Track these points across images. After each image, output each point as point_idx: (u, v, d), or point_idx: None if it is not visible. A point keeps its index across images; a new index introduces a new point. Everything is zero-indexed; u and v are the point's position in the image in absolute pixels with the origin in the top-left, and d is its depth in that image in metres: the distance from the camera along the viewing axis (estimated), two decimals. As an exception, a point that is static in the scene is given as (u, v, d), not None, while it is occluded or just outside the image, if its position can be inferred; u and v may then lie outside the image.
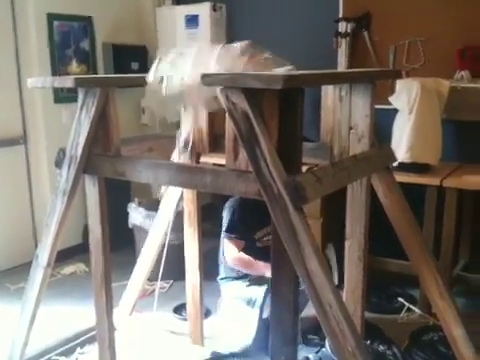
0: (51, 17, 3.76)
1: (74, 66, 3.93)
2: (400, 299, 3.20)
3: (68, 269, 3.73)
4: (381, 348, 2.69)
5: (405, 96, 3.03)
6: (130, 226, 3.63)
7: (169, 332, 2.82)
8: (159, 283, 2.76)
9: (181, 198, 2.52)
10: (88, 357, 2.64)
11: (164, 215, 2.66)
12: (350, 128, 1.90)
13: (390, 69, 3.40)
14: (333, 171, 1.61)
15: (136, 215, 3.55)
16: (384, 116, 3.01)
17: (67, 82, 1.84)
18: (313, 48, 3.72)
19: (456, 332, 2.02)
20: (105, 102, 1.84)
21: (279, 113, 1.50)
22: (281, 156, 1.48)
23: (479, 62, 3.24)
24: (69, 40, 3.90)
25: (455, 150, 3.37)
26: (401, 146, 2.99)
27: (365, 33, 3.59)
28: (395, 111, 3.14)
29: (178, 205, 2.62)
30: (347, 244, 2.02)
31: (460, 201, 3.02)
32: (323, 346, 2.65)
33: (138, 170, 1.78)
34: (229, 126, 1.55)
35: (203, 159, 2.45)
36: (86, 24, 4.01)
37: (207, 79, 1.43)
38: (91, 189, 1.95)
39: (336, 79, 1.77)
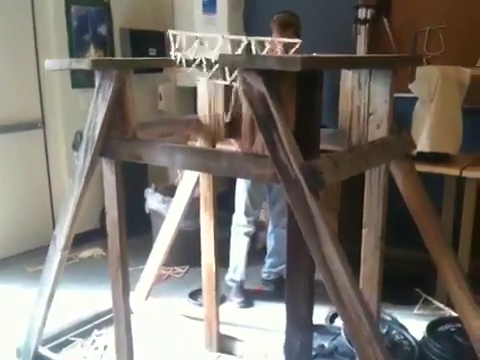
0: (69, 2, 3.77)
1: (92, 52, 3.95)
2: (417, 290, 3.17)
3: (85, 253, 3.79)
4: (397, 338, 2.67)
5: (425, 84, 2.98)
6: (147, 211, 3.66)
7: (184, 317, 2.84)
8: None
9: (197, 184, 2.52)
10: (105, 339, 2.68)
11: (180, 200, 2.67)
12: (369, 114, 1.87)
13: (410, 55, 3.34)
14: (350, 156, 1.59)
15: (153, 200, 3.57)
16: (404, 105, 2.95)
17: (84, 64, 1.84)
18: (332, 35, 3.67)
19: (474, 322, 1.99)
20: (122, 85, 1.84)
21: (297, 96, 1.48)
22: (298, 140, 1.46)
23: (503, 50, 3.17)
24: (87, 25, 3.91)
25: (476, 140, 3.30)
26: (421, 135, 2.94)
27: (385, 20, 3.53)
28: (415, 100, 3.09)
29: (194, 191, 2.63)
30: (364, 232, 1.99)
31: (480, 192, 2.97)
32: (338, 334, 2.64)
33: (154, 153, 1.78)
34: (246, 109, 1.54)
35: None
36: (103, 9, 4.02)
37: (224, 60, 1.41)
38: (108, 173, 1.95)
39: (355, 63, 1.73)
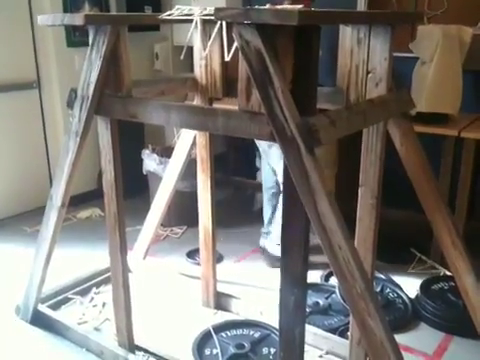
0: (63, -43, 3.66)
1: (87, 9, 3.86)
2: (412, 250, 3.20)
3: (84, 213, 3.81)
4: (391, 296, 2.72)
5: (426, 43, 2.93)
6: (144, 173, 3.66)
7: (182, 275, 2.88)
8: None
9: (194, 145, 2.51)
10: (103, 297, 2.72)
11: (177, 161, 2.66)
12: (368, 72, 1.84)
13: (411, 12, 3.26)
14: (348, 114, 1.57)
15: (150, 162, 3.56)
16: (404, 64, 2.92)
17: (77, 19, 1.79)
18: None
19: (467, 280, 2.01)
20: (116, 41, 1.80)
21: (294, 52, 1.45)
22: (295, 97, 1.44)
23: (506, 8, 3.10)
24: (82, -18, 3.81)
25: (475, 101, 3.28)
26: (420, 95, 2.91)
27: (386, -23, 3.44)
28: (415, 59, 3.05)
29: (191, 152, 2.62)
30: (360, 191, 1.99)
31: (478, 153, 2.96)
32: (333, 292, 2.69)
33: (149, 111, 1.75)
34: (242, 66, 1.51)
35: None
36: (99, -35, 3.90)
37: (220, 14, 1.37)
38: (103, 130, 1.94)
39: (354, 19, 1.69)
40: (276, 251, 3.07)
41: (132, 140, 3.68)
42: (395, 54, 1.79)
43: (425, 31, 2.95)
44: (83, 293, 2.75)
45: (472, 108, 3.19)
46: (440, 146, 3.00)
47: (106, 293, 2.71)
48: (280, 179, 3.01)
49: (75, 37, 3.79)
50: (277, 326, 1.71)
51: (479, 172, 3.24)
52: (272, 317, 2.30)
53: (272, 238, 3.12)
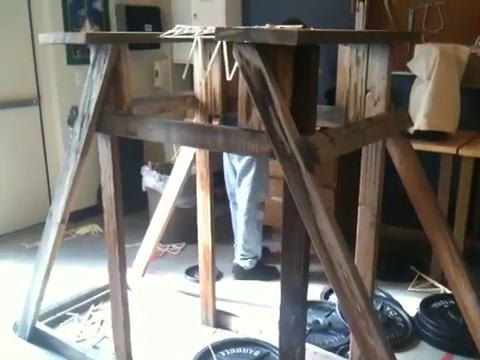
0: (64, -23, 3.71)
1: (87, 27, 3.90)
2: (412, 267, 3.19)
3: (83, 230, 3.80)
4: (391, 314, 2.71)
5: (423, 62, 2.96)
6: (144, 189, 3.66)
7: (181, 293, 2.86)
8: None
9: (194, 162, 2.52)
10: (102, 314, 2.70)
11: (177, 178, 2.67)
12: (366, 91, 1.86)
13: (409, 31, 3.31)
14: (347, 132, 1.58)
15: (149, 178, 3.57)
16: (402, 82, 2.95)
17: (78, 38, 1.81)
18: (330, 12, 3.64)
19: (467, 298, 2.01)
20: (117, 59, 1.82)
21: (293, 71, 1.46)
22: (294, 115, 1.45)
23: (502, 28, 3.14)
24: (82, 1, 3.85)
25: (473, 119, 3.29)
26: (418, 113, 2.94)
27: (384, -4, 3.49)
28: (413, 78, 3.07)
29: (191, 169, 2.63)
30: (360, 209, 2.00)
31: (476, 170, 2.97)
32: (333, 310, 2.68)
33: (150, 129, 1.76)
34: (242, 85, 1.52)
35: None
36: (99, -16, 3.95)
37: (220, 34, 1.39)
38: (103, 148, 1.95)
39: (353, 38, 1.72)
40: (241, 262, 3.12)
41: (132, 157, 3.70)
42: (393, 72, 1.81)
43: (422, 50, 2.98)
44: (81, 310, 2.73)
45: (470, 126, 3.21)
46: (438, 164, 3.01)
47: (104, 310, 2.69)
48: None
49: (76, 55, 3.83)
50: (277, 345, 1.70)
51: (477, 189, 3.26)
52: (272, 335, 2.28)
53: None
